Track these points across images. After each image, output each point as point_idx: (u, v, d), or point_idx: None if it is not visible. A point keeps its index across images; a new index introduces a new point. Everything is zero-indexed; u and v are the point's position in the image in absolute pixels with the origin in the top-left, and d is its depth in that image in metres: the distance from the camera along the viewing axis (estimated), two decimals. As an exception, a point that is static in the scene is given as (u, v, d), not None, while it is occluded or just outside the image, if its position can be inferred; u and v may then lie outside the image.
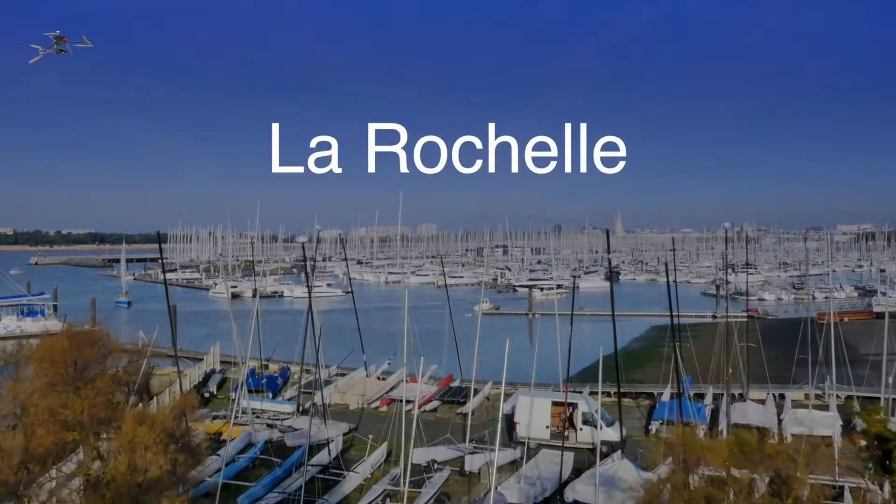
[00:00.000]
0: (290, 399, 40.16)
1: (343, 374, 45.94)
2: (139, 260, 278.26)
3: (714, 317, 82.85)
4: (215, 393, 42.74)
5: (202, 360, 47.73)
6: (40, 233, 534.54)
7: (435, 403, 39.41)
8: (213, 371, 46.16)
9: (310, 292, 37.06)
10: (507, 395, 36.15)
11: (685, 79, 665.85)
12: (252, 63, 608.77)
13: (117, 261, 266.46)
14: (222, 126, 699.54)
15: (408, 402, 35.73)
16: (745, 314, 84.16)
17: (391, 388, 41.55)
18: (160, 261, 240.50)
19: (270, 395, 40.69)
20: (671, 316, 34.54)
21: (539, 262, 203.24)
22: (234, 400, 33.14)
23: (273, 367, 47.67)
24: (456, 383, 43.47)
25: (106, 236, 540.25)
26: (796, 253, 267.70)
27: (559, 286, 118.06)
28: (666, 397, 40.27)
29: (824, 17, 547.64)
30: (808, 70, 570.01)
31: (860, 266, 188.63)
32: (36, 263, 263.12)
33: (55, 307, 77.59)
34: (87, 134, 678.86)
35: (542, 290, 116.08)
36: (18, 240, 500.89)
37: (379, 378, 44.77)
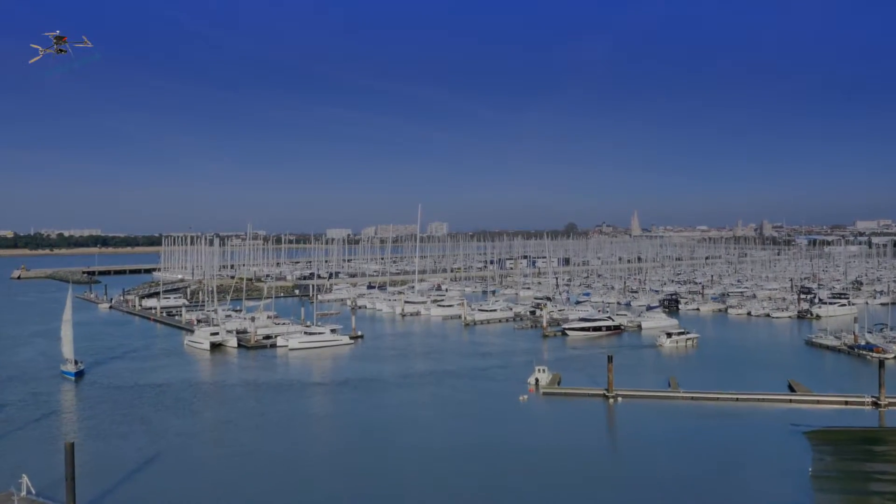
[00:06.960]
0: None
1: None
2: (132, 272, 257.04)
3: (876, 404, 58.34)
4: None
5: None
6: (41, 235, 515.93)
7: None
8: None
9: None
10: None
11: (693, 77, 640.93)
12: (264, 61, 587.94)
13: (107, 272, 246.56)
14: (226, 125, 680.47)
15: None
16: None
17: None
18: (155, 270, 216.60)
19: None
20: None
21: (571, 281, 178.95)
22: None
23: None
24: None
25: (108, 238, 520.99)
26: (852, 261, 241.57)
27: (683, 332, 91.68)
28: None
29: (843, 17, 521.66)
30: (820, 68, 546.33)
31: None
32: (19, 277, 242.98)
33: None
34: (90, 133, 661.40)
35: (669, 335, 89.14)
36: (18, 243, 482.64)
37: None
